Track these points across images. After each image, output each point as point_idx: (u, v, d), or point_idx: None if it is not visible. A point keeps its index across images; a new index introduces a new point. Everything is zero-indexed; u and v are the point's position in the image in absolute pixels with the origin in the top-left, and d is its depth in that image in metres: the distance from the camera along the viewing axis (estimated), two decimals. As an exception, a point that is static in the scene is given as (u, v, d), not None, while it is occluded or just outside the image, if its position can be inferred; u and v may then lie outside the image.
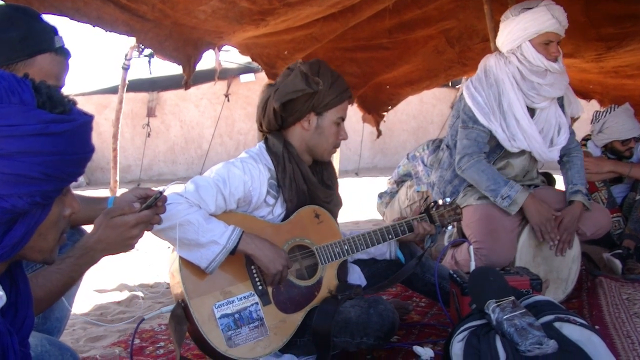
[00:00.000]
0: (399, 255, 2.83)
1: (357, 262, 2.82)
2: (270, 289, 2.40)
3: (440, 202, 2.79)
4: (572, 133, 3.47)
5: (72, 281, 1.68)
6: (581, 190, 3.29)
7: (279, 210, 2.52)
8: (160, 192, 1.70)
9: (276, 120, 2.58)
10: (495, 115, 3.24)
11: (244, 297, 2.35)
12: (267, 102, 2.60)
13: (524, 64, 3.20)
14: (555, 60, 3.18)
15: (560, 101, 3.41)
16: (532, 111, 3.28)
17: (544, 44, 3.15)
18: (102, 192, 9.76)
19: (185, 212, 2.21)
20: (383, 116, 5.88)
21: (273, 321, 2.37)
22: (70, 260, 1.66)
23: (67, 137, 1.22)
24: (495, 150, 3.30)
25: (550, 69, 3.18)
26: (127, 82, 7.05)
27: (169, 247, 2.44)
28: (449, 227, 2.82)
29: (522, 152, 3.31)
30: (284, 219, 2.53)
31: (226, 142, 14.78)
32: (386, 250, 2.82)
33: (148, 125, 14.58)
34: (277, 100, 2.53)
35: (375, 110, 5.75)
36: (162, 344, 2.92)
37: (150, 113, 14.66)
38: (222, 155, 13.91)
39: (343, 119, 2.63)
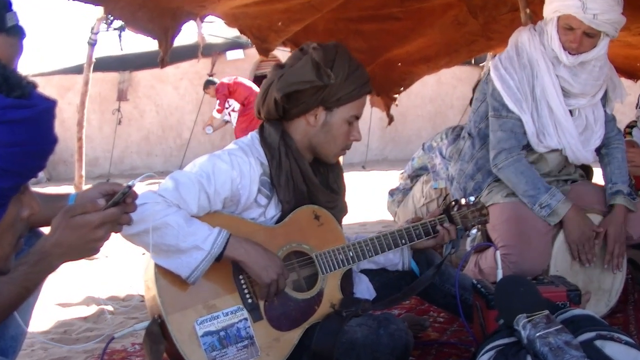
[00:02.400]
0: (412, 266, 2.82)
1: (365, 271, 2.82)
2: (261, 303, 2.40)
3: (463, 201, 2.78)
4: (612, 119, 3.46)
5: (26, 292, 1.66)
6: (622, 190, 3.28)
7: (273, 212, 2.52)
8: (129, 187, 1.68)
9: (277, 111, 2.55)
10: (527, 103, 3.23)
11: (231, 312, 2.34)
12: (268, 89, 2.56)
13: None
14: (573, 51, 3.13)
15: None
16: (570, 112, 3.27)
17: (565, 28, 3.13)
18: (65, 190, 9.76)
19: (162, 214, 2.20)
20: (394, 99, 5.88)
21: (265, 340, 2.36)
22: (24, 268, 1.62)
23: (27, 125, 1.21)
24: (527, 143, 3.30)
25: (561, 58, 3.16)
26: (93, 60, 7.03)
27: (143, 253, 2.43)
28: (473, 231, 2.81)
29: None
30: (278, 222, 2.52)
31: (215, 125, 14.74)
32: (398, 260, 2.81)
33: (119, 110, 14.60)
34: (280, 90, 2.49)
35: (385, 92, 5.74)
36: (135, 366, 2.92)
37: (121, 96, 14.67)
38: (206, 146, 13.91)
39: (357, 118, 2.59)
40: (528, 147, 3.28)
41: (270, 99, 2.54)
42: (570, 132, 3.24)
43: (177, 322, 2.26)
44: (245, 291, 2.38)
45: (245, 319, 2.35)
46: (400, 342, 2.35)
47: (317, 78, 2.46)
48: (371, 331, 2.35)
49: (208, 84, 11.51)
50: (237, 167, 2.42)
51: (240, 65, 14.21)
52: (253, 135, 2.60)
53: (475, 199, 2.81)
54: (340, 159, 2.81)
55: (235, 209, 2.46)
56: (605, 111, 3.40)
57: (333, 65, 2.49)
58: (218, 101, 10.73)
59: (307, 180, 2.55)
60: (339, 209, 2.68)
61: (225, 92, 10.56)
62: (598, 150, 3.46)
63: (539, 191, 3.15)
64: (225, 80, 10.93)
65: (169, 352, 2.31)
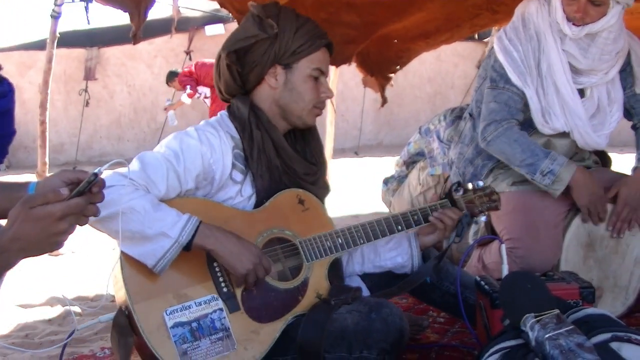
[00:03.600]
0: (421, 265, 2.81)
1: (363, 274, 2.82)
2: (239, 292, 2.40)
3: (470, 185, 2.77)
4: None
5: (-19, 292, 1.65)
6: None
7: (249, 190, 2.54)
8: (96, 174, 1.66)
9: (234, 81, 2.61)
10: (532, 77, 3.22)
11: (205, 302, 2.35)
12: (219, 59, 2.64)
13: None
14: (578, 22, 3.12)
15: (625, 65, 3.36)
16: (580, 91, 3.26)
17: None
18: (27, 178, 9.72)
19: (128, 197, 2.21)
20: (390, 79, 5.86)
21: (243, 332, 2.37)
22: None
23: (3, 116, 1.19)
24: (530, 124, 3.29)
25: (564, 29, 3.15)
26: (57, 34, 6.98)
27: (114, 249, 2.44)
28: (482, 218, 2.79)
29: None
30: (257, 204, 2.53)
31: (188, 112, 14.70)
32: (407, 262, 2.78)
33: (86, 91, 14.54)
34: (226, 49, 2.58)
35: (379, 71, 5.73)
36: (105, 373, 2.91)
37: (89, 75, 14.60)
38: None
39: (323, 72, 2.64)
40: (533, 129, 3.28)
41: (223, 68, 2.62)
42: (578, 114, 3.23)
43: (144, 312, 2.26)
44: (220, 279, 2.39)
45: (220, 309, 2.36)
46: (394, 326, 2.35)
47: (261, 30, 2.54)
48: (362, 317, 2.36)
49: (171, 76, 11.16)
50: (207, 142, 2.46)
51: (220, 41, 13.88)
52: (222, 113, 2.66)
53: (484, 183, 2.79)
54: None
55: (210, 189, 2.49)
56: (634, 91, 3.37)
57: (278, 19, 2.57)
58: (189, 86, 10.55)
59: (280, 152, 2.58)
60: (320, 186, 2.70)
61: (191, 80, 10.36)
62: (633, 126, 3.45)
63: (537, 157, 3.14)
64: (187, 68, 10.85)
65: (137, 345, 2.32)
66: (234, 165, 2.50)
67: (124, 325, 2.27)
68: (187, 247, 2.28)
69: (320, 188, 2.70)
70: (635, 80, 3.39)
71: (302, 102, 2.61)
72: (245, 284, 2.37)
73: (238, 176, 2.51)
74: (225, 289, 2.39)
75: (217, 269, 2.39)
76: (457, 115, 4.50)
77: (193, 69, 10.48)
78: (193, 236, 2.28)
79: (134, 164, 2.35)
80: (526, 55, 3.23)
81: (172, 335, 2.27)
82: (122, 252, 2.29)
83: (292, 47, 2.56)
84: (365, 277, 2.79)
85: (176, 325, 2.28)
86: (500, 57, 3.26)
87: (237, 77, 2.61)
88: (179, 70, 11.21)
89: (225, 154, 2.48)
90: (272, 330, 2.41)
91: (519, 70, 3.22)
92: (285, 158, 2.59)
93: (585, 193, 3.12)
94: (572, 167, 3.13)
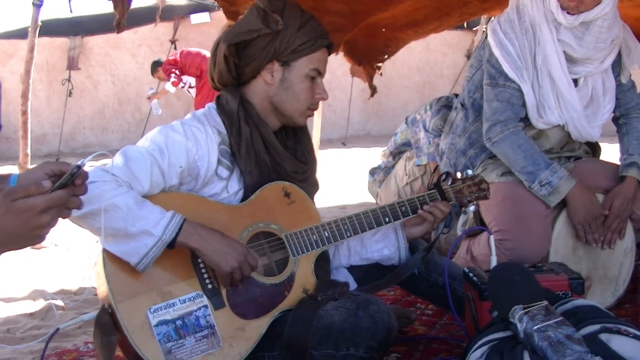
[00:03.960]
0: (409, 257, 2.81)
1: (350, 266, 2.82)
2: (224, 289, 2.40)
3: (459, 174, 2.77)
4: (631, 86, 3.45)
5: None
6: (637, 162, 3.28)
7: (236, 186, 2.52)
8: (79, 167, 1.66)
9: (229, 72, 2.57)
10: (528, 72, 3.21)
11: (189, 299, 2.34)
12: (217, 48, 2.59)
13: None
14: (573, 11, 3.11)
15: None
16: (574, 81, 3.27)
17: None
18: (8, 170, 9.67)
19: (111, 194, 2.20)
20: (378, 68, 5.85)
21: (228, 329, 2.36)
22: None
23: None
24: (526, 118, 3.29)
25: (558, 18, 3.14)
26: (39, 23, 6.94)
27: (97, 241, 2.43)
28: (471, 208, 2.79)
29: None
30: (243, 198, 2.52)
31: (173, 103, 14.69)
32: (394, 254, 2.78)
33: (69, 80, 14.46)
34: (226, 40, 2.52)
35: (367, 60, 5.72)
36: (88, 367, 2.90)
37: (72, 65, 14.53)
38: (169, 121, 13.72)
39: (320, 73, 2.61)
40: (527, 121, 3.28)
41: (220, 58, 2.57)
42: (573, 106, 3.23)
43: (127, 311, 2.26)
44: (205, 276, 2.39)
45: (205, 306, 2.35)
46: (382, 324, 2.35)
47: (264, 25, 2.50)
48: (349, 314, 2.36)
49: (155, 66, 11.02)
50: (192, 137, 2.43)
51: (206, 30, 14.11)
52: (210, 106, 2.62)
53: (474, 172, 2.79)
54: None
55: (194, 184, 2.47)
56: (620, 80, 3.39)
57: (283, 15, 2.53)
58: (173, 74, 10.43)
59: (270, 148, 2.56)
60: (309, 183, 2.69)
61: (177, 67, 10.28)
62: (615, 121, 3.46)
63: (538, 167, 3.15)
64: (172, 56, 10.78)
65: (120, 344, 2.31)
66: (219, 162, 2.48)
67: (107, 323, 2.26)
68: (171, 245, 2.27)
69: (309, 185, 2.69)
70: (622, 70, 3.40)
71: (297, 103, 2.59)
72: (230, 282, 2.37)
73: (224, 172, 2.49)
74: (210, 286, 2.38)
75: (201, 266, 2.39)
76: (443, 104, 4.51)
77: (178, 57, 10.39)
78: (177, 234, 2.26)
79: (118, 159, 2.33)
80: (522, 49, 3.22)
81: (156, 334, 2.26)
82: (104, 249, 2.29)
83: (294, 45, 2.53)
84: (352, 269, 2.79)
85: (160, 323, 2.28)
86: (496, 52, 3.24)
87: (232, 69, 2.57)
88: (163, 59, 11.12)
89: (211, 150, 2.46)
90: (258, 327, 2.41)
91: (515, 65, 3.21)
92: (275, 155, 2.57)
93: (582, 210, 3.14)
94: (572, 181, 3.14)
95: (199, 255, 2.34)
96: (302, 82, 2.57)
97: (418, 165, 4.58)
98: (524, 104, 3.25)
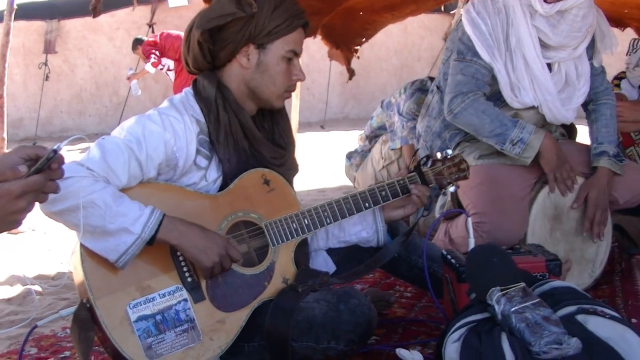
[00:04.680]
0: (388, 242, 2.80)
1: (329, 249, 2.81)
2: (203, 282, 2.38)
3: (438, 155, 2.74)
4: (601, 71, 3.48)
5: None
6: (607, 151, 3.30)
7: (214, 174, 2.49)
8: (55, 151, 1.64)
9: (204, 57, 2.53)
10: (500, 51, 3.22)
11: (169, 293, 2.33)
12: (190, 33, 2.55)
13: None
14: None
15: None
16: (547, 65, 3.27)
17: None
18: (-14, 155, 9.58)
19: (88, 190, 2.17)
20: (356, 51, 5.84)
21: (208, 322, 2.35)
22: None
23: None
24: (499, 97, 3.30)
25: (535, 6, 3.14)
26: (15, 6, 6.86)
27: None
28: (451, 188, 2.76)
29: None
30: (222, 187, 2.49)
31: (151, 86, 14.61)
32: (372, 236, 2.77)
33: (46, 64, 14.34)
34: (199, 27, 2.48)
35: (345, 44, 5.70)
36: (67, 353, 2.89)
37: (49, 48, 14.40)
38: (146, 104, 13.75)
39: (297, 54, 2.57)
40: (502, 103, 3.28)
41: (193, 44, 2.52)
42: (547, 89, 3.24)
43: (106, 307, 2.24)
44: (185, 269, 2.36)
45: (185, 299, 2.34)
46: (363, 317, 2.35)
47: (238, 9, 2.44)
48: (330, 307, 2.36)
49: (136, 43, 10.92)
50: (170, 128, 2.39)
51: (184, 14, 13.98)
52: (187, 91, 2.57)
53: (453, 152, 2.78)
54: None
55: (172, 174, 2.44)
56: (591, 64, 3.41)
57: None
58: (153, 55, 10.35)
59: (248, 135, 2.53)
60: (287, 167, 2.66)
61: (157, 49, 10.21)
62: (585, 106, 3.48)
63: (506, 127, 3.15)
64: (151, 37, 10.69)
65: (99, 340, 2.29)
66: (198, 151, 2.45)
67: (85, 319, 2.24)
68: (150, 242, 2.25)
69: (288, 169, 2.66)
70: (595, 54, 3.43)
71: (273, 86, 2.55)
72: (210, 275, 2.35)
73: (202, 162, 2.47)
74: (189, 279, 2.36)
75: (180, 259, 2.36)
76: (417, 87, 4.50)
77: (158, 39, 10.29)
78: (156, 231, 2.24)
79: (94, 151, 2.28)
80: (494, 28, 3.23)
81: (136, 330, 2.25)
82: (82, 244, 2.26)
83: (269, 27, 2.48)
84: (331, 251, 2.78)
85: (140, 318, 2.26)
86: (469, 29, 3.24)
87: (207, 54, 2.53)
88: (145, 38, 11.04)
89: (190, 141, 2.43)
90: (238, 319, 2.40)
91: (487, 43, 3.21)
92: (253, 141, 2.54)
93: (554, 157, 3.14)
94: (541, 133, 3.15)
95: (180, 251, 2.32)
96: (279, 64, 2.53)
97: (392, 149, 4.57)
98: (490, 83, 3.25)
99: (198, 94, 2.53)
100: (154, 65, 10.32)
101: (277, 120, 2.69)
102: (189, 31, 2.55)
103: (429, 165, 2.73)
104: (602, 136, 3.37)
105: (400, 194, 2.67)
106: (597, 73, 3.46)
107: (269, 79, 2.54)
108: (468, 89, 3.22)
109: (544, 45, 3.22)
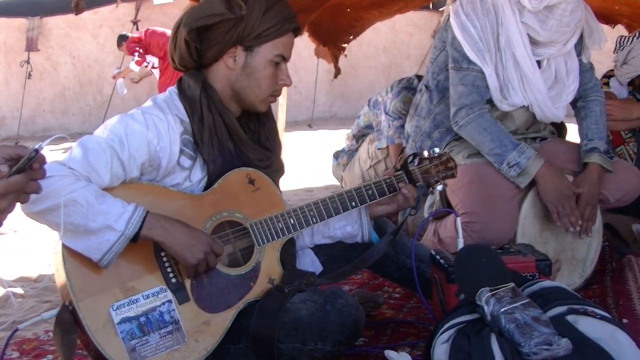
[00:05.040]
0: (373, 238, 2.80)
1: (315, 246, 2.81)
2: (188, 282, 2.38)
3: (425, 153, 2.74)
4: (589, 68, 3.49)
5: None
6: (598, 147, 3.30)
7: (199, 175, 2.49)
8: (37, 150, 1.64)
9: (190, 55, 2.52)
10: (490, 53, 3.22)
11: (153, 294, 2.32)
12: (178, 30, 2.53)
13: None
14: None
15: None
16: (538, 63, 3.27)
17: None
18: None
19: (70, 188, 2.16)
20: (344, 49, 5.84)
21: (193, 324, 2.35)
22: None
23: None
24: (490, 100, 3.30)
25: (523, 2, 3.13)
26: (-4, 3, 6.84)
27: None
28: (439, 187, 2.77)
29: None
30: (207, 187, 2.49)
31: (135, 85, 14.54)
32: (357, 232, 2.78)
33: (28, 62, 14.25)
34: (187, 25, 2.46)
35: (332, 41, 5.70)
36: (50, 357, 2.88)
37: (31, 46, 14.32)
38: (131, 104, 13.69)
39: (285, 59, 2.56)
40: (492, 103, 3.28)
41: (180, 41, 2.51)
42: (537, 87, 3.24)
43: (89, 309, 2.23)
44: (169, 270, 2.36)
45: (169, 301, 2.33)
46: (350, 318, 2.36)
47: (227, 10, 2.43)
48: (317, 308, 2.36)
49: (121, 40, 10.92)
50: (154, 128, 2.39)
51: (169, 11, 13.94)
52: (171, 90, 2.57)
53: (441, 151, 2.77)
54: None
55: (156, 175, 2.43)
56: (580, 60, 3.42)
57: None
58: (137, 53, 10.30)
59: (233, 136, 2.52)
60: (273, 169, 2.66)
61: (141, 46, 10.15)
62: (574, 104, 3.48)
63: (505, 148, 3.16)
64: (136, 34, 10.64)
65: (82, 342, 2.29)
66: (181, 152, 2.44)
67: (68, 321, 2.23)
68: (134, 239, 2.24)
69: (274, 171, 2.66)
70: (584, 50, 3.43)
71: (258, 90, 2.54)
72: (195, 274, 2.34)
73: (186, 162, 2.46)
74: (173, 280, 2.35)
75: (164, 259, 2.36)
76: (403, 86, 4.49)
77: (143, 35, 10.24)
78: (140, 227, 2.23)
79: (76, 151, 2.28)
80: (484, 30, 3.22)
81: (120, 332, 2.24)
82: (63, 244, 2.25)
83: (258, 30, 2.47)
84: (318, 251, 2.78)
85: (123, 320, 2.26)
86: (458, 34, 3.23)
87: (193, 53, 2.51)
88: (130, 34, 11.00)
89: (173, 141, 2.42)
90: (224, 320, 2.39)
91: (476, 47, 3.21)
92: (238, 142, 2.53)
93: (552, 189, 3.14)
94: (540, 161, 3.14)
95: (164, 248, 2.31)
96: (266, 68, 2.52)
97: (379, 149, 4.57)
98: (488, 86, 3.25)
99: (182, 93, 2.52)
100: (138, 63, 10.30)
101: (263, 122, 2.68)
102: (177, 29, 2.54)
103: (416, 164, 2.73)
104: (592, 133, 3.36)
105: (387, 193, 2.67)
106: (586, 69, 3.46)
107: (255, 82, 2.53)
108: (472, 100, 3.22)
109: (533, 42, 3.22)
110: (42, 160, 1.68)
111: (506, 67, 3.23)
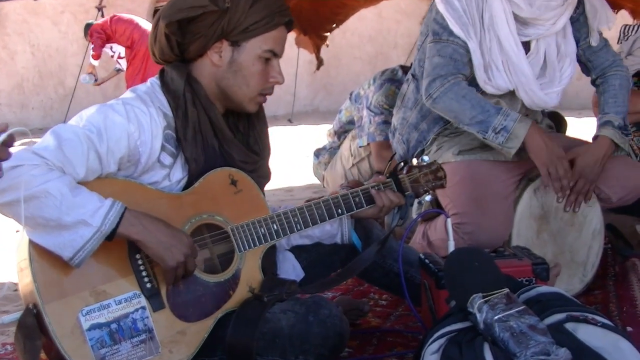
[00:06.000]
0: (353, 239, 2.82)
1: (295, 249, 2.82)
2: (164, 288, 2.37)
3: (415, 161, 2.77)
4: (603, 45, 3.46)
5: None
6: (612, 121, 3.26)
7: (179, 174, 2.48)
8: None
9: (171, 49, 2.51)
10: (475, 29, 3.21)
11: (125, 300, 2.31)
12: (158, 22, 2.51)
13: None
14: None
15: (578, 15, 3.39)
16: (525, 45, 3.27)
17: None
18: None
19: (42, 179, 2.14)
20: (326, 38, 5.85)
21: (168, 333, 2.34)
22: None
23: None
24: (473, 83, 3.28)
25: None
26: (-52, -12, 6.80)
27: (17, 230, 2.39)
28: (427, 197, 2.79)
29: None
30: (186, 188, 2.48)
31: (101, 76, 14.48)
32: (336, 231, 2.80)
33: (-17, 52, 14.22)
34: (166, 18, 2.45)
35: (314, 30, 5.71)
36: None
37: (-14, 34, 14.28)
38: (96, 97, 13.65)
39: (276, 54, 2.54)
40: (475, 84, 3.26)
41: (160, 35, 2.50)
42: (522, 70, 3.23)
43: (56, 313, 2.21)
44: (144, 274, 2.35)
45: (143, 307, 2.32)
46: (334, 329, 2.36)
47: (211, 2, 2.41)
48: (298, 318, 2.36)
49: (88, 28, 10.61)
50: (135, 120, 2.37)
51: (137, -4, 13.97)
52: (153, 82, 2.54)
53: (430, 159, 2.78)
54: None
55: (133, 170, 2.42)
56: (589, 43, 3.40)
57: None
58: (92, 45, 10.18)
59: (218, 134, 2.52)
60: (259, 174, 2.65)
61: (101, 36, 10.06)
62: (593, 83, 3.47)
63: (488, 114, 3.12)
64: (99, 21, 10.55)
65: (47, 349, 2.28)
66: (163, 148, 2.43)
67: (32, 326, 2.21)
68: (110, 237, 2.23)
69: (259, 177, 2.65)
70: (591, 32, 3.41)
71: (246, 88, 2.52)
72: (173, 278, 2.33)
73: (167, 159, 2.45)
74: (148, 285, 2.34)
75: (139, 262, 2.35)
76: (387, 78, 4.47)
77: (108, 23, 10.13)
78: (117, 224, 2.22)
79: (49, 139, 2.24)
80: (468, 4, 3.21)
81: (89, 339, 2.23)
82: (30, 242, 2.23)
83: (245, 23, 2.44)
84: (299, 254, 2.79)
85: (93, 327, 2.24)
86: (441, 7, 3.22)
87: (174, 47, 2.50)
88: (93, 21, 10.90)
89: (155, 135, 2.40)
90: (201, 330, 2.39)
91: (461, 21, 3.20)
92: (223, 141, 2.53)
93: (544, 149, 3.10)
94: (527, 122, 3.12)
95: (141, 248, 2.30)
96: (254, 64, 2.50)
97: (361, 147, 4.55)
98: (469, 63, 3.23)
99: (165, 86, 2.50)
100: (94, 57, 10.20)
101: (253, 123, 2.67)
102: (157, 20, 2.52)
103: (405, 172, 2.75)
104: (609, 106, 3.33)
105: (375, 201, 2.69)
106: (598, 49, 3.43)
107: (242, 79, 2.51)
108: (447, 72, 3.19)
109: (520, 21, 3.21)
110: (9, 142, 1.68)
111: (491, 47, 3.22)
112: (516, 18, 3.20)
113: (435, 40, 3.26)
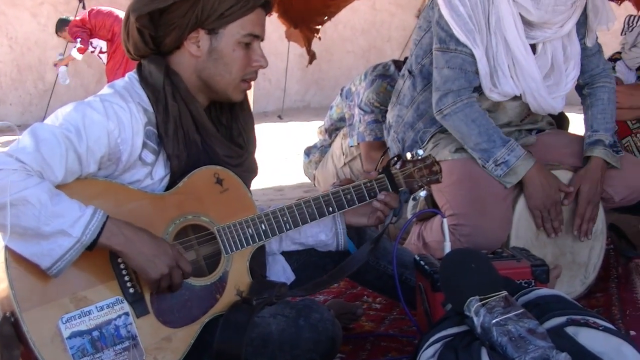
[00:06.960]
0: (350, 247, 2.81)
1: (286, 251, 2.82)
2: (147, 293, 2.36)
3: (409, 155, 2.76)
4: (597, 51, 3.49)
5: None
6: (603, 139, 3.31)
7: (161, 171, 2.47)
8: None
9: (146, 44, 2.49)
10: (481, 35, 3.21)
11: (108, 306, 2.30)
12: (129, 16, 2.49)
13: None
14: None
15: (583, 10, 3.38)
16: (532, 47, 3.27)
17: None
18: None
19: (20, 185, 2.13)
20: (317, 31, 5.85)
21: (152, 340, 2.34)
22: None
23: None
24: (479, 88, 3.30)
25: None
26: None
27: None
28: (422, 193, 2.79)
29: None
30: (169, 187, 2.48)
31: (83, 71, 14.49)
32: (331, 240, 2.79)
33: (-41, 46, 14.19)
34: (136, 11, 2.43)
35: (305, 23, 5.71)
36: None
37: (-38, 27, 14.24)
38: (78, 92, 13.66)
39: (257, 37, 2.53)
40: (480, 91, 3.28)
41: (132, 29, 2.49)
42: (530, 74, 3.24)
43: (35, 321, 2.20)
44: (126, 279, 2.34)
45: (126, 313, 2.32)
46: (326, 334, 2.36)
47: None
48: (289, 323, 2.36)
49: (61, 24, 10.72)
50: (114, 117, 2.35)
51: (119, -13, 13.95)
52: (131, 76, 2.53)
53: (425, 153, 2.78)
54: (250, 107, 2.76)
55: (114, 169, 2.41)
56: (584, 44, 3.41)
57: None
58: (79, 39, 10.16)
59: (200, 128, 2.51)
60: (244, 168, 2.64)
61: (86, 30, 10.02)
62: (580, 91, 3.49)
63: (494, 144, 3.16)
64: (79, 16, 10.52)
65: (26, 359, 2.26)
66: (144, 145, 2.42)
67: (9, 335, 2.20)
68: (90, 247, 2.22)
69: (245, 171, 2.64)
70: (589, 32, 3.42)
71: (229, 75, 2.51)
72: (157, 290, 2.32)
73: (149, 157, 2.44)
74: (131, 290, 2.33)
75: (122, 267, 2.33)
76: (378, 74, 4.45)
77: (87, 17, 10.12)
78: (99, 235, 2.21)
79: (26, 141, 2.23)
80: (474, 9, 3.19)
81: (69, 348, 2.22)
82: (7, 247, 2.22)
83: (220, 9, 2.42)
84: (290, 257, 2.80)
85: (74, 335, 2.23)
86: (445, 12, 3.21)
87: (149, 41, 2.48)
88: (71, 18, 10.87)
89: (136, 132, 2.39)
90: (187, 336, 2.39)
91: (466, 27, 3.19)
92: (205, 136, 2.52)
93: (540, 193, 3.15)
94: (530, 161, 3.15)
95: (124, 259, 2.29)
96: (234, 51, 2.49)
97: (351, 146, 4.54)
98: (477, 71, 3.24)
99: (144, 80, 2.49)
100: (80, 51, 10.17)
101: (237, 115, 2.66)
102: (128, 14, 2.50)
103: (398, 167, 2.74)
104: (598, 123, 3.36)
105: (367, 198, 2.68)
106: (591, 54, 3.46)
107: (224, 67, 2.50)
108: (459, 86, 3.21)
109: (527, 24, 3.22)
110: None
111: (497, 51, 3.22)
112: (523, 20, 3.20)
113: (443, 50, 3.25)
